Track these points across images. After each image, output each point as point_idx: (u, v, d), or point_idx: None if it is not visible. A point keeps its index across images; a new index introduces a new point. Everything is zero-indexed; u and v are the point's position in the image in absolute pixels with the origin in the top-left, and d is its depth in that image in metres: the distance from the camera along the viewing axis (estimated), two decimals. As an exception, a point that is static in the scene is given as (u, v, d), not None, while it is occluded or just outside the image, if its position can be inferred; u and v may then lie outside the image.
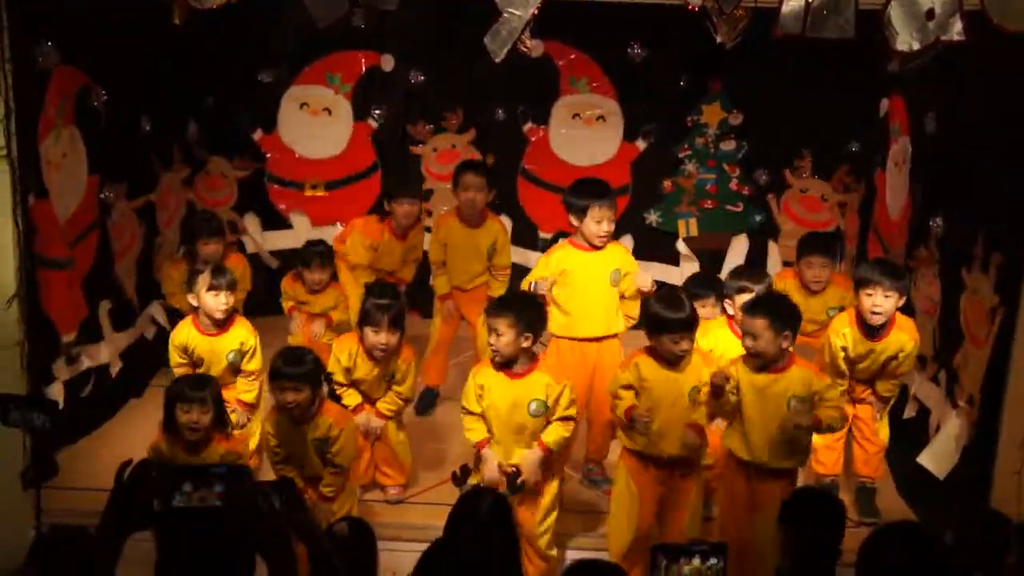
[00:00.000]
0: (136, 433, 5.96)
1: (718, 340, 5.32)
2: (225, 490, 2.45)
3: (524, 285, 5.65)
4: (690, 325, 4.80)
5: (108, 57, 6.19)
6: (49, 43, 5.57)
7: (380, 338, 5.17)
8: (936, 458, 5.48)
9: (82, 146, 6.03)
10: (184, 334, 5.62)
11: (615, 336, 5.65)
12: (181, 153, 7.46)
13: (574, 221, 5.57)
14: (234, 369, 5.60)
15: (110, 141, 6.30)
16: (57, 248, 5.81)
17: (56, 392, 5.79)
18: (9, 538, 4.74)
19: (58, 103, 5.75)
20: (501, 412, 4.87)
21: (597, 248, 5.55)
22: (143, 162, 6.97)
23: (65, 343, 5.96)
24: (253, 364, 5.63)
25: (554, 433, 4.85)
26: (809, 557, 3.64)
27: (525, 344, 4.80)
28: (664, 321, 4.77)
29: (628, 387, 4.86)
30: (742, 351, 4.87)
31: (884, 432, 5.62)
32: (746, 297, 5.20)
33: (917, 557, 3.07)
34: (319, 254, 6.33)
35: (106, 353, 6.40)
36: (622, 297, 5.59)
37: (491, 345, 4.82)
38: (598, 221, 5.49)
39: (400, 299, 5.42)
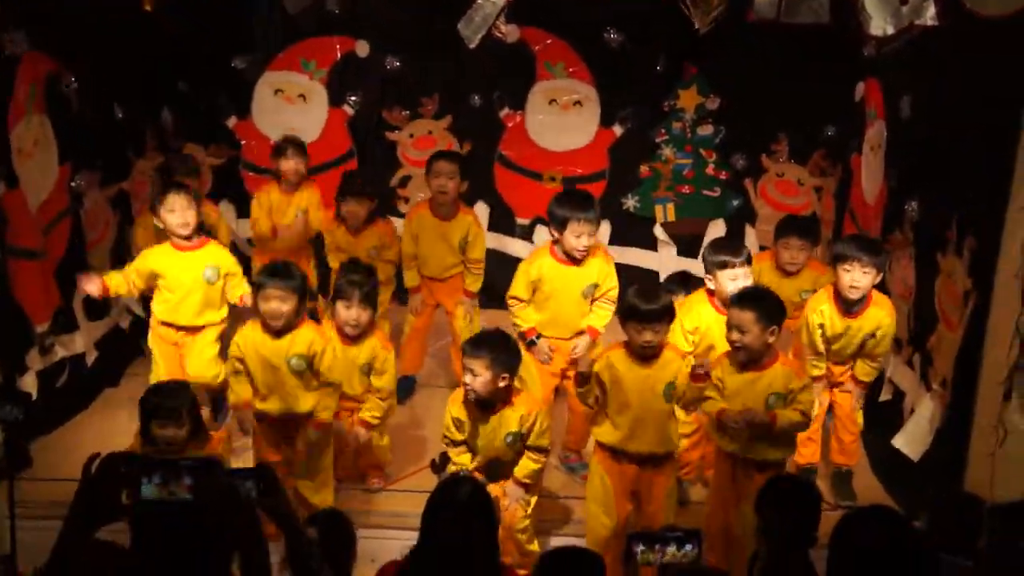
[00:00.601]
0: (112, 422, 5.93)
1: (701, 317, 5.31)
2: (195, 482, 2.43)
3: (515, 308, 5.60)
4: (658, 317, 4.71)
5: (79, 43, 6.13)
6: (19, 29, 5.50)
7: (351, 313, 5.11)
8: (910, 441, 5.51)
9: (52, 134, 5.98)
10: (153, 256, 5.59)
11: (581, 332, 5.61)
12: (155, 140, 7.39)
13: (555, 232, 5.50)
14: (212, 283, 5.57)
15: (81, 129, 6.25)
16: (29, 238, 5.76)
17: (30, 383, 5.76)
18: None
19: (28, 90, 5.69)
20: (477, 445, 4.86)
21: (576, 262, 5.50)
22: (116, 150, 6.91)
23: (39, 333, 5.91)
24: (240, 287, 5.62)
25: (524, 468, 4.84)
26: (785, 543, 3.66)
27: (502, 384, 4.73)
28: (632, 309, 4.74)
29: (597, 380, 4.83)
30: (724, 327, 4.86)
31: (859, 418, 5.66)
32: (728, 272, 5.21)
33: (890, 540, 3.07)
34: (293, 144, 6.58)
35: (81, 343, 6.36)
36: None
37: (466, 384, 4.73)
38: (577, 236, 5.41)
39: (373, 277, 5.33)
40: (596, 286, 5.54)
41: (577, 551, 3.58)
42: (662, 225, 7.94)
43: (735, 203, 7.90)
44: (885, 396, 5.97)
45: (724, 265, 5.26)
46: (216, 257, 5.64)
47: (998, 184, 4.90)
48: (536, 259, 5.64)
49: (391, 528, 5.13)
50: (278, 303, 4.80)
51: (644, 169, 7.92)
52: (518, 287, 5.58)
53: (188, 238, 5.57)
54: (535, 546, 5.01)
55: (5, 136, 5.50)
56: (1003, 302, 4.89)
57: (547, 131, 7.85)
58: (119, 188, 6.90)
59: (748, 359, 4.71)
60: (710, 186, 7.89)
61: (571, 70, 7.80)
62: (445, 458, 4.84)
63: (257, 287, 4.91)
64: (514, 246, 7.87)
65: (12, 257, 5.56)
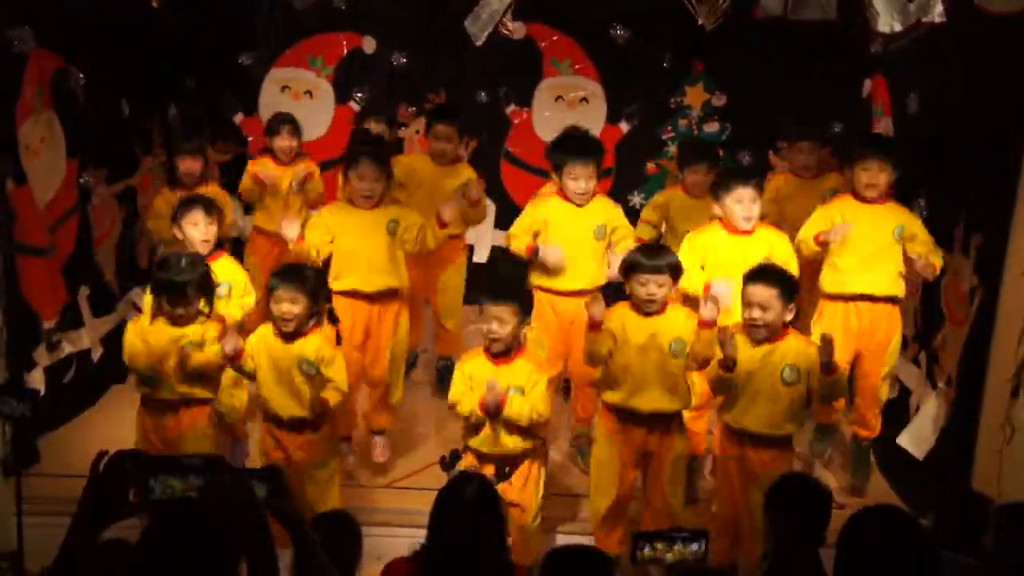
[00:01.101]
0: (118, 418, 5.93)
1: (710, 235, 5.35)
2: (202, 480, 2.43)
3: (510, 241, 5.65)
4: (659, 270, 4.73)
5: (86, 40, 6.14)
6: (25, 26, 5.51)
7: (282, 307, 4.85)
8: (915, 439, 5.51)
9: (60, 130, 5.99)
10: None
11: (596, 290, 5.56)
12: (161, 137, 7.40)
13: (555, 176, 5.56)
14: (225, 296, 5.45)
15: (89, 125, 6.26)
16: (37, 235, 5.78)
17: (37, 378, 5.78)
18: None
19: (35, 87, 5.70)
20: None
21: (578, 204, 5.53)
22: (123, 146, 6.92)
23: (47, 329, 5.93)
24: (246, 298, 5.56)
25: (514, 406, 4.72)
26: (795, 542, 3.65)
27: (524, 330, 4.79)
28: (635, 263, 4.76)
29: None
30: (737, 255, 4.98)
31: (883, 392, 5.65)
32: (737, 194, 5.22)
33: (897, 539, 3.07)
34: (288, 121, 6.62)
35: (87, 339, 6.38)
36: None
37: (492, 334, 4.73)
38: (574, 179, 5.46)
39: (309, 274, 5.02)
40: (604, 227, 5.55)
41: (584, 550, 3.58)
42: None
43: (741, 200, 7.87)
44: (891, 394, 5.96)
45: (729, 188, 5.28)
46: (229, 272, 5.56)
47: (1005, 182, 4.90)
48: (542, 202, 5.67)
49: (397, 526, 5.15)
50: (288, 305, 4.78)
51: (650, 166, 7.91)
52: (521, 223, 5.64)
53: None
54: (541, 536, 5.00)
55: (13, 133, 5.51)
56: (1010, 300, 4.90)
57: (553, 128, 7.79)
58: (126, 184, 6.90)
59: (766, 336, 4.67)
60: (712, 191, 7.86)
61: (577, 67, 7.79)
62: (455, 455, 4.83)
63: (269, 289, 4.88)
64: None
65: (20, 254, 5.58)
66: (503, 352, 4.78)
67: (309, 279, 4.87)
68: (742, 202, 5.25)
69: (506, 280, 5.02)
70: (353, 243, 5.44)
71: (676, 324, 4.79)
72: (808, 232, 5.42)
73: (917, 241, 5.30)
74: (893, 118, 6.34)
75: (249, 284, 5.58)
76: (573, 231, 5.53)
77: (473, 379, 4.82)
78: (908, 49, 5.81)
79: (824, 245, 5.32)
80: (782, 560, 3.62)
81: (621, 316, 4.83)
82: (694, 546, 3.41)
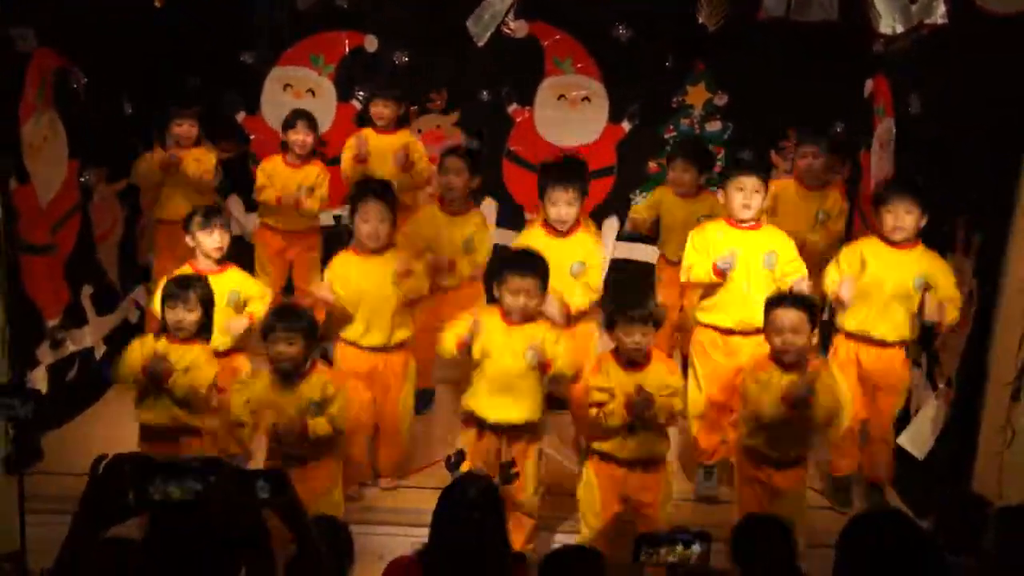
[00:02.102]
0: (121, 416, 5.93)
1: (714, 230, 5.38)
2: (202, 483, 2.44)
3: None
4: (644, 320, 4.72)
5: (88, 39, 6.15)
6: (27, 26, 5.52)
7: (279, 347, 4.78)
8: (915, 440, 5.51)
9: (62, 129, 6.01)
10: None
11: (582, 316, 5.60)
12: (164, 136, 7.40)
13: (541, 203, 5.58)
14: (236, 308, 5.52)
15: (90, 124, 6.26)
16: (39, 233, 5.79)
17: (40, 377, 5.79)
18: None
19: (38, 86, 5.72)
20: (494, 359, 4.85)
21: (560, 233, 5.51)
22: (124, 145, 6.92)
23: (49, 328, 5.94)
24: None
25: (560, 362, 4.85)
26: None
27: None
28: (619, 312, 4.76)
29: (603, 390, 4.80)
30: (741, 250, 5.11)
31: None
32: (739, 182, 5.25)
33: (898, 541, 3.07)
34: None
35: (90, 337, 6.39)
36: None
37: (522, 306, 4.79)
38: (554, 204, 5.45)
39: (305, 315, 4.94)
40: (584, 265, 5.51)
41: (577, 549, 3.58)
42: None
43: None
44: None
45: (733, 177, 5.34)
46: (238, 282, 5.58)
47: (1006, 183, 4.90)
48: (528, 231, 5.71)
49: (399, 525, 5.17)
50: (285, 346, 4.75)
51: (652, 165, 7.90)
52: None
53: (218, 261, 5.55)
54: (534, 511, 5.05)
55: (16, 132, 5.52)
56: (1011, 302, 4.90)
57: (555, 127, 7.83)
58: (127, 183, 6.91)
59: (797, 359, 4.70)
60: (718, 182, 7.87)
61: (579, 66, 7.78)
62: (460, 456, 4.82)
63: (264, 331, 4.85)
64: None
65: (23, 253, 5.59)
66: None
67: (305, 319, 4.84)
68: (743, 190, 5.29)
69: (525, 252, 5.04)
70: (356, 296, 5.34)
71: (659, 376, 4.79)
72: (832, 279, 5.37)
73: (939, 290, 5.16)
74: (895, 118, 6.33)
75: (263, 286, 5.66)
76: (552, 264, 5.26)
77: (486, 333, 4.86)
78: (910, 49, 5.81)
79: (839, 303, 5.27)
80: None
81: (607, 370, 4.83)
82: (695, 547, 3.41)
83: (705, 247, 5.40)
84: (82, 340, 6.31)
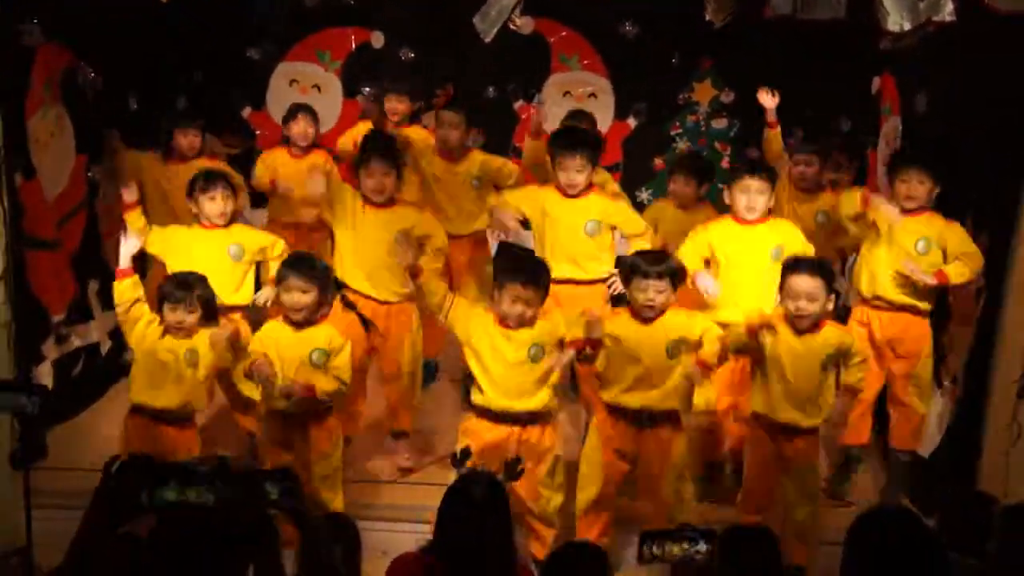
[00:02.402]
0: (126, 412, 5.94)
1: (728, 236, 5.36)
2: (211, 485, 2.44)
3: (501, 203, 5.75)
4: (659, 275, 4.74)
5: (94, 34, 6.15)
6: (34, 21, 5.52)
7: (293, 296, 4.84)
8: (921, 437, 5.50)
9: (69, 124, 6.00)
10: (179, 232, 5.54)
11: (598, 282, 5.64)
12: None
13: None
14: (238, 261, 5.50)
15: (98, 120, 6.27)
16: (45, 228, 5.79)
17: (45, 372, 5.79)
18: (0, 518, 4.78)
19: (44, 81, 5.72)
20: (500, 362, 4.81)
21: (568, 196, 5.55)
22: (131, 141, 6.91)
23: (55, 323, 5.95)
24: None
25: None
26: None
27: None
28: (635, 268, 4.77)
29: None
30: (747, 245, 5.13)
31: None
32: (744, 183, 5.28)
33: (904, 539, 3.07)
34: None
35: (96, 332, 6.39)
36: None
37: (518, 314, 4.70)
38: (564, 170, 5.50)
39: (320, 264, 5.02)
40: (599, 223, 5.57)
41: (578, 545, 3.56)
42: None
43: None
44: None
45: (738, 178, 5.35)
46: (243, 236, 5.56)
47: (1011, 182, 4.88)
48: (538, 190, 5.73)
49: (403, 521, 5.17)
50: (299, 294, 4.79)
51: (658, 162, 7.90)
52: (517, 195, 5.72)
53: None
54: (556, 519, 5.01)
55: (22, 127, 5.52)
56: (1017, 300, 4.89)
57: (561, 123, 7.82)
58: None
59: (808, 327, 4.73)
60: (724, 179, 7.85)
61: (585, 62, 7.79)
62: (465, 453, 4.81)
63: (279, 278, 4.90)
64: (530, 239, 7.84)
65: (29, 248, 5.59)
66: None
67: (319, 269, 4.89)
68: (748, 192, 5.29)
69: (532, 261, 5.03)
70: (363, 246, 5.42)
71: (675, 327, 4.80)
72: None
73: (953, 250, 5.18)
74: (901, 116, 6.32)
75: (273, 236, 5.66)
76: (567, 225, 5.54)
77: (485, 331, 4.80)
78: (917, 47, 5.79)
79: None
80: None
81: (614, 323, 4.85)
82: (701, 545, 3.41)
83: (702, 247, 5.40)
84: (88, 335, 6.32)
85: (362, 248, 5.43)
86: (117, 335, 6.58)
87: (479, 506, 3.54)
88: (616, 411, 4.88)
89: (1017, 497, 4.28)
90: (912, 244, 5.24)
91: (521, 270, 4.82)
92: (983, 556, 3.49)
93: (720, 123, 7.82)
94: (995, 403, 4.98)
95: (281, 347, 4.88)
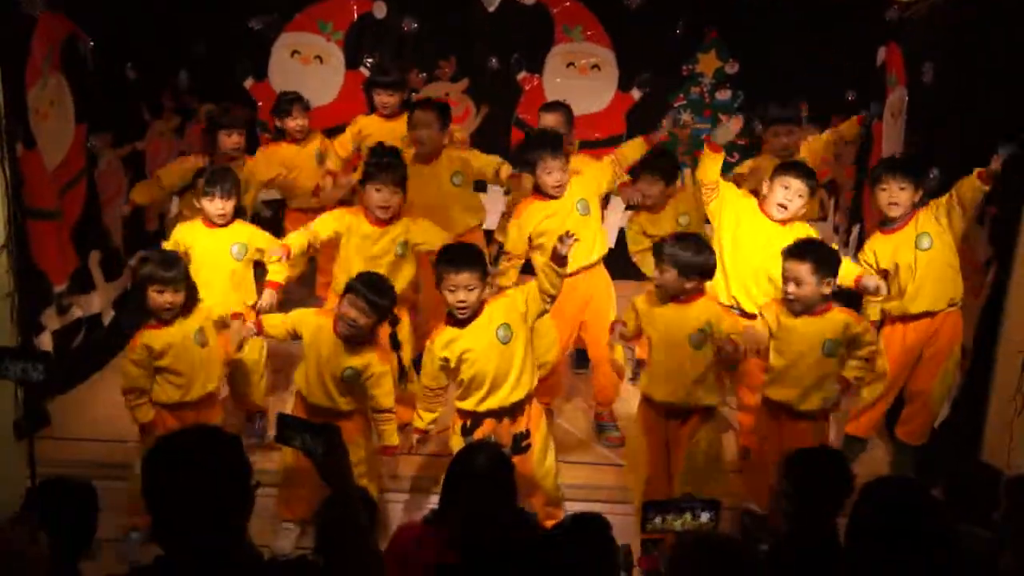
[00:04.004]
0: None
1: (751, 218, 5.30)
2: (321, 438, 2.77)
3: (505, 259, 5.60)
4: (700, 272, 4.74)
5: (95, 4, 6.10)
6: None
7: (351, 313, 4.78)
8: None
9: (69, 95, 5.97)
10: (185, 229, 5.54)
11: (599, 262, 5.63)
12: (171, 102, 7.37)
13: (532, 175, 5.53)
14: (240, 260, 5.48)
15: (97, 90, 6.23)
16: (45, 198, 5.77)
17: (45, 342, 5.78)
18: (4, 486, 4.78)
19: (44, 51, 5.68)
20: (483, 357, 4.73)
21: (555, 197, 5.50)
22: (131, 111, 6.89)
23: (56, 293, 5.94)
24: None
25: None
26: (813, 515, 3.55)
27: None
28: (672, 256, 4.69)
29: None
30: (762, 238, 5.06)
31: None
32: (788, 182, 5.20)
33: (909, 509, 3.06)
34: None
35: (98, 303, 6.38)
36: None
37: (461, 303, 4.62)
38: (548, 173, 5.44)
39: (388, 293, 4.91)
40: (585, 201, 5.53)
41: (584, 516, 3.53)
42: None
43: (754, 168, 7.83)
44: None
45: (782, 174, 5.25)
46: (244, 234, 5.53)
47: (1019, 152, 4.85)
48: (523, 211, 5.57)
49: (403, 491, 5.24)
50: (356, 313, 4.75)
51: (662, 134, 7.86)
52: (516, 246, 5.54)
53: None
54: (561, 493, 5.00)
55: (22, 97, 5.49)
56: (1024, 272, 4.86)
57: (565, 94, 7.69)
58: (132, 148, 6.87)
59: (803, 309, 4.72)
60: (728, 151, 7.82)
61: (589, 33, 7.74)
62: (475, 422, 4.78)
63: (347, 288, 4.83)
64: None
65: (30, 218, 5.56)
66: (470, 319, 4.71)
67: (387, 298, 4.82)
68: (788, 188, 5.20)
69: (465, 247, 4.96)
70: (360, 262, 5.34)
71: (702, 313, 4.75)
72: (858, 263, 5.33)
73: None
74: (907, 87, 6.28)
75: (273, 238, 5.59)
76: (564, 217, 5.44)
77: (466, 351, 4.70)
78: (924, 17, 5.76)
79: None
80: (800, 532, 3.56)
81: (639, 306, 4.86)
82: (705, 516, 3.41)
83: (731, 200, 5.39)
84: (89, 306, 6.30)
85: (360, 266, 5.30)
86: (118, 306, 6.59)
87: (481, 475, 3.54)
88: (651, 402, 4.90)
89: (1021, 468, 4.28)
90: (918, 247, 5.21)
91: (449, 257, 4.72)
92: (989, 527, 3.49)
93: (724, 95, 7.77)
94: (1000, 375, 4.97)
95: (323, 348, 4.84)
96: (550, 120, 6.16)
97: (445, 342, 4.71)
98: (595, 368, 5.77)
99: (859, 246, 5.93)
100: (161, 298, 4.81)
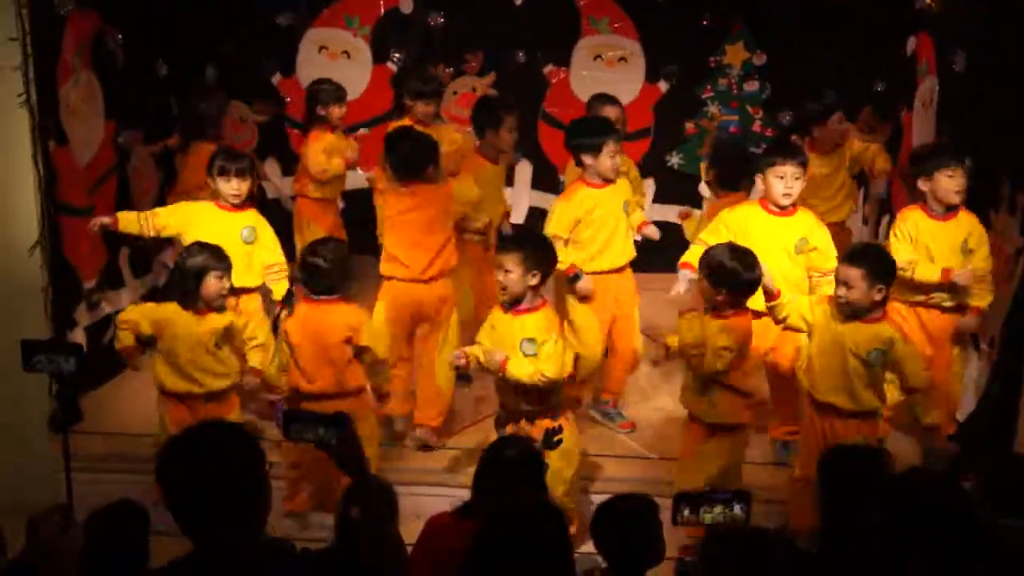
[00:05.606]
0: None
1: (755, 225, 5.24)
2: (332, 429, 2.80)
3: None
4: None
5: (124, 1, 6.14)
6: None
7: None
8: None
9: (100, 91, 6.02)
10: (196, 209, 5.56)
11: (627, 266, 5.67)
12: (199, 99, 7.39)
13: (588, 160, 5.48)
14: (249, 244, 5.50)
15: (127, 86, 6.28)
16: (77, 195, 5.82)
17: (78, 337, 5.83)
18: (39, 479, 4.83)
19: (75, 48, 5.73)
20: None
21: (611, 182, 5.51)
22: (161, 107, 6.93)
23: (87, 289, 5.99)
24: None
25: (518, 368, 4.65)
26: (852, 514, 3.52)
27: (533, 282, 4.69)
28: (733, 277, 4.68)
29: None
30: (774, 235, 5.04)
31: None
32: (780, 169, 5.16)
33: (938, 502, 3.03)
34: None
35: (127, 299, 6.42)
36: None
37: (499, 282, 4.70)
38: (612, 156, 5.45)
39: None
40: (627, 203, 5.64)
41: (631, 496, 3.51)
42: (707, 183, 7.85)
43: (781, 160, 7.78)
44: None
45: (774, 164, 5.21)
46: (255, 222, 5.56)
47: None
48: (574, 194, 5.57)
49: (435, 485, 5.19)
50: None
51: (689, 126, 7.85)
52: (560, 224, 5.48)
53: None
54: (573, 504, 4.95)
55: (54, 94, 5.54)
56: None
57: (592, 87, 7.72)
58: (164, 145, 6.90)
59: (852, 313, 4.64)
60: (756, 143, 7.79)
61: (616, 25, 7.73)
62: (510, 415, 4.76)
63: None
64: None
65: (62, 214, 5.61)
66: (515, 303, 4.71)
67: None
68: (784, 178, 5.17)
69: (516, 231, 4.96)
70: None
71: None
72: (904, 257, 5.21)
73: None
74: (938, 76, 6.23)
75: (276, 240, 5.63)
76: (610, 213, 5.49)
77: (494, 328, 4.78)
78: (955, 5, 5.71)
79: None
80: (837, 531, 3.52)
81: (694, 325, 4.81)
82: (736, 508, 3.39)
83: (728, 231, 5.26)
84: (118, 302, 6.34)
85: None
86: (147, 302, 6.62)
87: (511, 469, 3.54)
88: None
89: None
90: (958, 246, 5.18)
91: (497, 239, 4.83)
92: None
93: (752, 86, 7.74)
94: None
95: (307, 327, 4.93)
96: (612, 113, 6.14)
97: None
98: (612, 354, 5.76)
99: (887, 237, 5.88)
100: (220, 284, 4.92)
